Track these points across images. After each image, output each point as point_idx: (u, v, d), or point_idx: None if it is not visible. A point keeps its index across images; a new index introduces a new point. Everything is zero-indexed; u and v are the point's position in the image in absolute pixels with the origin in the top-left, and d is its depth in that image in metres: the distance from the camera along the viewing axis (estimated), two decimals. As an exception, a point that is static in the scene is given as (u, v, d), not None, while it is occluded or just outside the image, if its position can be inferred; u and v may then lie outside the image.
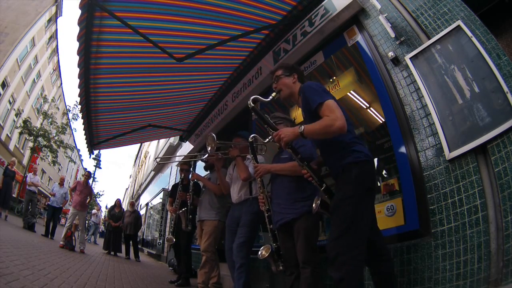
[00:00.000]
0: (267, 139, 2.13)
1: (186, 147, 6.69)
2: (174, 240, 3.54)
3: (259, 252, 1.93)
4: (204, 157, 3.28)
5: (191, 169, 3.39)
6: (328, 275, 2.08)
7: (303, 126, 1.40)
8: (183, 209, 3.19)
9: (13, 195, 8.95)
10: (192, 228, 3.35)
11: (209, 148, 2.41)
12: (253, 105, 1.63)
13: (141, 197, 17.44)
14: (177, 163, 5.68)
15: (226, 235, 2.66)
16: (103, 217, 20.34)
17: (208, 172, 3.52)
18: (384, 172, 2.19)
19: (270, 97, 1.69)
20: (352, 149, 1.43)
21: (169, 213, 5.52)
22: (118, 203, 7.78)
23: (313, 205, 1.53)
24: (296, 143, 2.05)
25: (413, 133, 1.91)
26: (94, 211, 13.07)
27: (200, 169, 4.74)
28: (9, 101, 16.88)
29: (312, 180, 1.56)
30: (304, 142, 2.00)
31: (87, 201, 5.93)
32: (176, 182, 4.31)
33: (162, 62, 3.29)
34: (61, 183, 7.28)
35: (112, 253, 7.16)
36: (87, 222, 6.45)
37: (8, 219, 7.98)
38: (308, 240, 1.77)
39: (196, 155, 3.30)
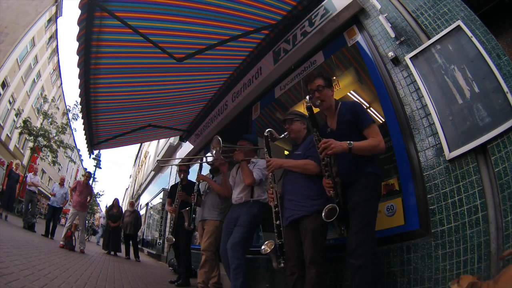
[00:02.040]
0: (282, 135, 2.13)
1: (186, 147, 6.69)
2: (174, 240, 3.54)
3: (262, 247, 1.91)
4: (207, 160, 3.29)
5: (198, 170, 3.38)
6: (331, 276, 2.10)
7: (352, 142, 1.56)
8: (187, 208, 3.20)
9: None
10: (195, 227, 3.37)
11: (214, 151, 2.40)
12: (310, 104, 1.76)
13: (141, 197, 17.44)
14: (177, 162, 5.68)
15: (222, 236, 2.66)
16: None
17: (213, 175, 3.52)
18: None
19: (317, 103, 1.79)
20: (373, 162, 1.70)
21: (169, 213, 5.48)
22: (116, 203, 7.78)
23: (323, 214, 1.60)
24: (310, 142, 2.02)
25: (413, 133, 1.91)
26: (102, 213, 13.05)
27: (205, 170, 4.74)
28: (9, 101, 16.87)
29: (332, 191, 1.65)
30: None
31: (87, 201, 5.94)
32: (175, 182, 4.30)
33: (162, 62, 3.29)
34: (62, 183, 7.28)
35: (112, 253, 7.17)
36: (85, 223, 6.37)
37: (8, 219, 7.98)
38: (315, 240, 1.75)
39: (199, 157, 3.29)
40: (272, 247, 1.87)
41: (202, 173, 3.32)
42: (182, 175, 3.77)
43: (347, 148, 1.56)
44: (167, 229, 7.59)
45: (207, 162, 3.41)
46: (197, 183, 3.24)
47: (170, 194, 4.08)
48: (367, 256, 1.43)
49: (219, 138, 2.36)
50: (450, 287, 1.27)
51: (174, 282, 3.77)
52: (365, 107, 1.83)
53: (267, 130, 2.14)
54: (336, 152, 1.59)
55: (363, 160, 1.66)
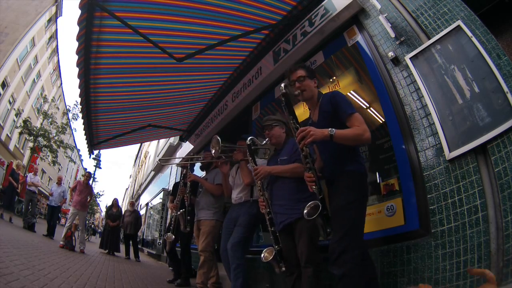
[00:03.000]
0: (264, 142, 2.10)
1: (186, 147, 6.70)
2: (173, 237, 3.51)
3: (262, 255, 1.92)
4: (205, 160, 3.28)
5: (189, 169, 3.37)
6: (327, 275, 2.10)
7: (333, 129, 1.42)
8: (181, 211, 3.18)
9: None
10: (191, 228, 3.36)
11: (213, 151, 2.39)
12: (285, 91, 1.59)
13: (141, 197, 17.45)
14: (178, 161, 5.65)
15: (222, 236, 2.66)
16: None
17: (205, 172, 3.51)
18: (378, 175, 2.18)
19: (296, 93, 1.69)
20: (356, 159, 1.59)
21: (169, 211, 5.41)
22: (115, 203, 7.82)
23: (305, 211, 1.50)
24: (293, 146, 2.03)
25: (413, 133, 1.91)
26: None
27: (197, 171, 4.74)
28: (9, 101, 16.87)
29: (314, 186, 1.55)
30: None
31: (88, 201, 5.95)
32: (176, 181, 4.29)
33: (162, 62, 3.29)
34: (59, 182, 7.30)
35: (110, 252, 7.18)
36: (85, 223, 6.32)
37: (6, 219, 7.97)
38: (311, 239, 1.77)
39: (199, 156, 3.28)
40: (273, 254, 1.88)
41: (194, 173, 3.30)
42: (184, 171, 3.75)
43: (328, 135, 1.42)
44: (164, 227, 7.57)
45: (201, 161, 3.39)
46: (188, 183, 3.19)
47: (173, 191, 4.05)
48: (352, 264, 1.32)
49: (218, 138, 2.35)
50: None
51: (172, 281, 3.75)
52: (346, 96, 1.68)
53: (249, 138, 2.11)
54: (316, 140, 1.44)
55: (346, 156, 1.56)
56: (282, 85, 1.61)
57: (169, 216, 7.19)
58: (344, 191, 1.49)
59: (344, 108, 1.54)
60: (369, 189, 1.65)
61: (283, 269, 1.87)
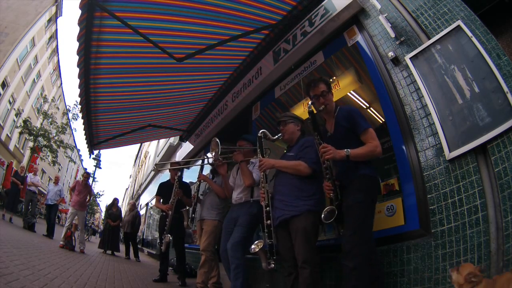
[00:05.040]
0: (276, 137, 2.15)
1: (186, 147, 6.69)
2: (171, 238, 3.52)
3: (252, 246, 1.93)
4: (206, 163, 3.32)
5: (199, 170, 3.43)
6: (327, 275, 2.10)
7: (349, 150, 1.63)
8: (187, 208, 3.21)
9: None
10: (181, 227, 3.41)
11: (213, 153, 2.40)
12: (312, 109, 1.78)
13: (141, 197, 17.44)
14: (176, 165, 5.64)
15: (222, 236, 2.66)
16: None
17: (213, 176, 3.53)
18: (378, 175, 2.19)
19: (321, 108, 1.85)
20: (367, 165, 1.72)
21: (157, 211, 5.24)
22: (115, 202, 7.86)
23: (323, 215, 1.67)
24: (302, 144, 2.05)
25: (413, 133, 1.91)
26: None
27: (206, 170, 4.75)
28: (9, 101, 16.86)
29: (332, 193, 1.69)
30: (311, 143, 1.98)
31: (87, 201, 5.95)
32: (165, 180, 4.29)
33: (162, 62, 3.29)
34: (56, 182, 7.31)
35: (109, 252, 7.17)
36: (84, 223, 6.31)
37: (7, 219, 7.97)
38: (306, 239, 1.76)
39: (196, 159, 3.32)
40: (261, 246, 1.88)
41: (203, 173, 3.34)
42: (179, 174, 3.79)
43: (345, 156, 1.63)
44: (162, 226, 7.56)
45: (209, 163, 3.44)
46: (198, 182, 3.26)
47: (160, 192, 4.04)
48: (361, 258, 1.45)
49: (217, 140, 2.36)
50: (450, 274, 1.29)
51: (158, 280, 3.75)
52: (361, 111, 1.84)
53: (260, 131, 2.17)
54: (334, 159, 1.65)
55: (358, 162, 1.70)
56: (309, 102, 1.81)
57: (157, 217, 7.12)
58: (355, 193, 1.63)
59: (358, 124, 1.72)
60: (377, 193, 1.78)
61: (272, 265, 1.87)
